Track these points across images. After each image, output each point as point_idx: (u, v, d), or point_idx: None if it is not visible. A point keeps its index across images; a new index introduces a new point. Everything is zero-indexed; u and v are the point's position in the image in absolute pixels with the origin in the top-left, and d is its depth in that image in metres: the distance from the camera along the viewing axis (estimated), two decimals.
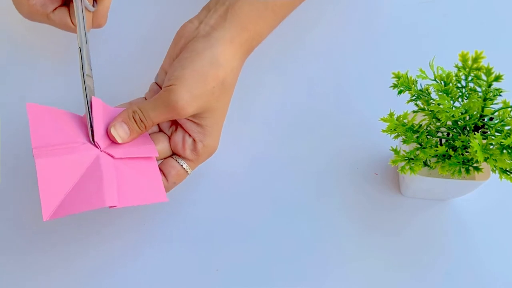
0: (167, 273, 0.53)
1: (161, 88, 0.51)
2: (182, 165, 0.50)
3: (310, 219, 0.55)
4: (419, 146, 0.46)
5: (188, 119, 0.49)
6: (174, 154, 0.51)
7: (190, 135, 0.50)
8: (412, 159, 0.46)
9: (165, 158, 0.51)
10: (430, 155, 0.45)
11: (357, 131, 0.58)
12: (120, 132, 0.47)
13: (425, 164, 0.47)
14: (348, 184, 0.56)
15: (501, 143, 0.41)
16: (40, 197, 0.42)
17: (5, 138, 0.58)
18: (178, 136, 0.50)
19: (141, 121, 0.47)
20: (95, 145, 0.47)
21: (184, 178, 0.51)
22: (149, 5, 0.65)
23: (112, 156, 0.47)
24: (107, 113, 0.48)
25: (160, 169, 0.50)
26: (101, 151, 0.47)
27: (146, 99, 0.52)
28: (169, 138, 0.51)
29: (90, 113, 0.47)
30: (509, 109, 0.43)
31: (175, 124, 0.51)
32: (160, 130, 0.52)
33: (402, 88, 0.46)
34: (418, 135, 0.46)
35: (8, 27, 0.63)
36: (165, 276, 0.53)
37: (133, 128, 0.47)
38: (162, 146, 0.50)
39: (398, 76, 0.46)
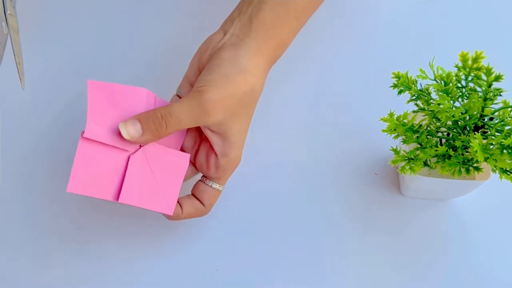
0: (167, 273, 0.53)
1: None
2: (211, 186, 0.49)
3: (310, 219, 0.55)
4: (419, 146, 0.46)
5: (213, 131, 0.47)
6: (202, 176, 0.50)
7: (213, 150, 0.48)
8: (412, 159, 0.46)
9: (190, 179, 0.51)
10: (430, 155, 0.45)
11: (357, 131, 0.58)
12: (130, 129, 0.45)
13: (425, 164, 0.47)
14: (348, 184, 0.56)
15: (501, 143, 0.41)
16: (72, 168, 0.43)
17: (5, 138, 0.58)
18: (202, 155, 0.50)
19: (165, 122, 0.45)
20: None
21: (219, 195, 0.50)
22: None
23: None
24: (150, 101, 0.47)
25: (193, 195, 0.50)
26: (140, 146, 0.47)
27: None
28: (194, 159, 0.51)
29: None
30: (509, 109, 0.43)
31: (197, 142, 0.51)
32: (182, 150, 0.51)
33: (402, 88, 0.46)
34: (418, 135, 0.46)
35: None
36: (165, 276, 0.53)
37: (147, 128, 0.45)
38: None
39: (398, 76, 0.46)
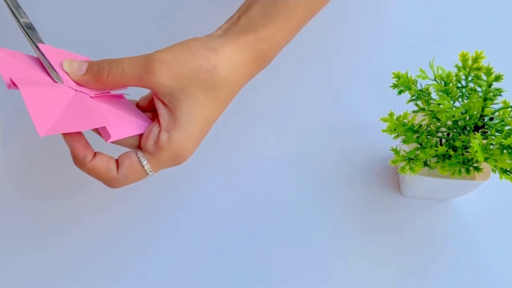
0: (167, 273, 0.53)
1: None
2: (139, 158, 0.44)
3: (310, 219, 0.55)
4: (419, 146, 0.46)
5: (162, 101, 0.44)
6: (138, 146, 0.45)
7: (159, 122, 0.44)
8: (412, 159, 0.46)
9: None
10: (430, 155, 0.45)
11: (357, 131, 0.58)
12: (75, 64, 0.43)
13: (425, 164, 0.47)
14: (348, 184, 0.56)
15: (501, 143, 0.41)
16: (31, 116, 0.39)
17: (5, 138, 0.58)
18: (148, 127, 0.45)
19: (108, 67, 0.43)
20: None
21: (141, 178, 0.45)
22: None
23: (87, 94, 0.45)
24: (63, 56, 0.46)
25: (117, 159, 0.45)
26: (76, 91, 0.44)
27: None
28: None
29: (45, 58, 0.44)
30: (509, 109, 0.43)
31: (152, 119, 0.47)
32: None
33: (402, 88, 0.46)
34: (418, 135, 0.46)
35: None
36: (165, 276, 0.53)
37: (90, 68, 0.43)
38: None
39: (398, 76, 0.46)
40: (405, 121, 0.46)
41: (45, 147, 0.58)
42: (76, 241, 0.54)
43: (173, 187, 0.56)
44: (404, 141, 0.46)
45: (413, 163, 0.46)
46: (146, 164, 0.44)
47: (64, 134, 0.43)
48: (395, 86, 0.46)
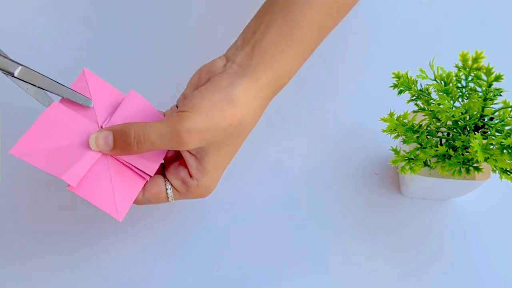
0: (167, 273, 0.53)
1: None
2: (167, 189, 0.47)
3: (310, 218, 0.55)
4: (419, 146, 0.46)
5: (189, 152, 0.46)
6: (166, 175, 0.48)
7: (185, 167, 0.47)
8: (412, 159, 0.46)
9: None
10: (430, 155, 0.45)
11: (357, 131, 0.58)
12: (100, 141, 0.44)
13: (425, 164, 0.47)
14: (348, 184, 0.56)
15: (501, 143, 0.41)
16: (25, 133, 0.43)
17: (5, 138, 0.58)
18: (175, 163, 0.48)
19: (136, 143, 0.44)
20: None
21: (162, 203, 0.48)
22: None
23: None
24: (139, 107, 0.47)
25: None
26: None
27: (164, 115, 0.49)
28: (168, 166, 0.49)
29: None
30: (509, 109, 0.43)
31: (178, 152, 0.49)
32: None
33: (402, 88, 0.46)
34: (418, 135, 0.46)
35: None
36: (165, 276, 0.53)
37: (118, 145, 0.44)
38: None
39: (398, 76, 0.46)
40: (405, 121, 0.46)
41: None
42: (76, 240, 0.54)
43: None
44: (404, 141, 0.46)
45: (413, 163, 0.46)
46: (171, 197, 0.47)
47: None
48: (395, 86, 0.46)
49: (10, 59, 0.44)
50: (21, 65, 0.44)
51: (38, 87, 0.45)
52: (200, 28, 0.64)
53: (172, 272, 0.53)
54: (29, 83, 0.45)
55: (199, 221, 0.55)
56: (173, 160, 0.49)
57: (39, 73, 0.45)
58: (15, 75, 0.44)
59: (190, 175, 0.46)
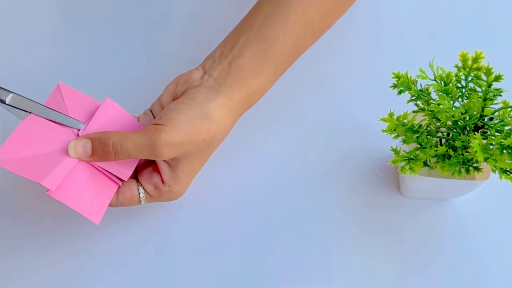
0: (167, 273, 0.53)
1: (154, 117, 0.51)
2: (140, 193, 0.49)
3: (310, 219, 0.55)
4: (419, 146, 0.46)
5: (164, 160, 0.48)
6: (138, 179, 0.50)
7: (158, 173, 0.49)
8: (412, 159, 0.46)
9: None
10: (430, 155, 0.45)
11: (357, 131, 0.58)
12: (78, 148, 0.46)
13: (425, 164, 0.47)
14: (348, 184, 0.56)
15: (501, 143, 0.41)
16: (4, 143, 0.45)
17: (5, 138, 0.58)
18: (148, 169, 0.50)
19: (114, 152, 0.46)
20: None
21: (134, 205, 0.50)
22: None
23: None
24: (114, 115, 0.49)
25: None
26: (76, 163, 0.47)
27: (138, 120, 0.51)
28: (141, 170, 0.51)
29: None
30: (509, 109, 0.43)
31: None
32: None
33: (402, 88, 0.46)
34: (418, 135, 0.46)
35: None
36: (165, 276, 0.53)
37: (97, 153, 0.46)
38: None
39: (398, 76, 0.46)
40: (405, 121, 0.46)
41: None
42: (76, 241, 0.54)
43: None
44: (404, 141, 0.46)
45: (413, 163, 0.46)
46: (144, 200, 0.50)
47: None
48: (395, 86, 0.46)
49: (1, 87, 0.46)
50: (12, 92, 0.46)
51: (30, 112, 0.46)
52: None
53: (172, 272, 0.53)
54: (21, 109, 0.46)
55: (199, 221, 0.55)
56: (146, 165, 0.51)
57: (29, 99, 0.46)
58: (7, 102, 0.45)
59: (163, 181, 0.49)
